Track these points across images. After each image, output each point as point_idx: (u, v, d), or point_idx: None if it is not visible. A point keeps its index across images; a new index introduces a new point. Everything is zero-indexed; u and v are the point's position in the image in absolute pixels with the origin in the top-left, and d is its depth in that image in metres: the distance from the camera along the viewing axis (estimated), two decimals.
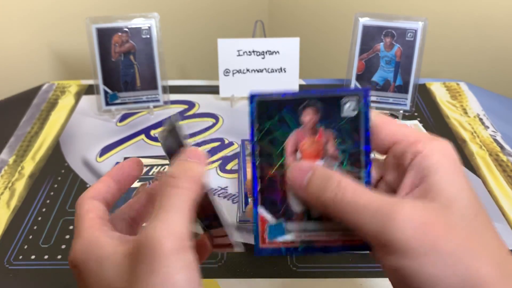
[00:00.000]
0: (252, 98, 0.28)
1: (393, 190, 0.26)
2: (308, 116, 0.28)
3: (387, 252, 0.22)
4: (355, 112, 0.27)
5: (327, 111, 0.28)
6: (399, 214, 0.22)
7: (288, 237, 0.28)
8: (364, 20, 0.67)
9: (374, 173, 0.28)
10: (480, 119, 0.67)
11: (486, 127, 0.66)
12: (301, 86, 0.74)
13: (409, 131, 0.26)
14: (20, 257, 0.47)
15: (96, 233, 0.25)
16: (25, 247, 0.48)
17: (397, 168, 0.26)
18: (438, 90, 0.75)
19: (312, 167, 0.27)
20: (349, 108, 0.28)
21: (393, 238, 0.22)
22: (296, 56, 0.69)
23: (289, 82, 0.70)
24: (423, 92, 0.74)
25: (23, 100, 0.73)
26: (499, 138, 0.64)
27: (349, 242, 0.28)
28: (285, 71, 0.70)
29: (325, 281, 0.44)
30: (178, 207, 0.24)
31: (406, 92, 0.67)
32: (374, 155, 0.28)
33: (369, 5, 0.98)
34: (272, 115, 0.28)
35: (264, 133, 0.28)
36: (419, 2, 0.92)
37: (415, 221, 0.22)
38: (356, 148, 0.28)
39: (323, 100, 0.28)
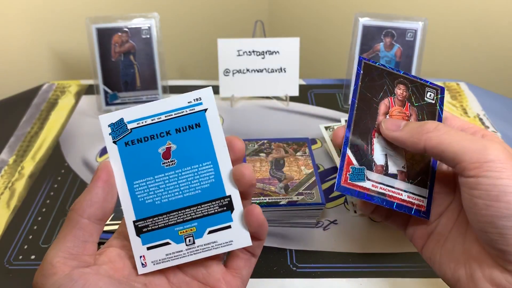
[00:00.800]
0: (360, 61, 0.35)
1: None
2: (400, 90, 0.35)
3: (484, 169, 0.28)
4: (433, 101, 0.36)
5: (415, 92, 0.36)
6: (494, 142, 0.29)
7: (366, 184, 0.33)
8: (364, 20, 0.67)
9: None
10: (480, 119, 0.67)
11: (486, 127, 0.66)
12: (301, 86, 0.74)
13: (471, 123, 0.34)
14: (20, 257, 0.47)
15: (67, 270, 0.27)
16: (25, 247, 0.48)
17: None
18: None
19: (405, 122, 0.33)
20: (430, 97, 0.36)
21: (492, 156, 0.28)
22: (296, 56, 0.69)
23: (289, 82, 0.70)
24: None
25: (23, 100, 0.73)
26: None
27: (414, 206, 0.33)
28: (285, 71, 0.70)
29: (325, 281, 0.44)
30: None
31: None
32: None
33: (369, 5, 0.98)
34: (374, 78, 0.35)
35: (365, 90, 0.34)
36: (419, 2, 0.92)
37: (506, 150, 0.28)
38: None
39: (413, 83, 0.36)
